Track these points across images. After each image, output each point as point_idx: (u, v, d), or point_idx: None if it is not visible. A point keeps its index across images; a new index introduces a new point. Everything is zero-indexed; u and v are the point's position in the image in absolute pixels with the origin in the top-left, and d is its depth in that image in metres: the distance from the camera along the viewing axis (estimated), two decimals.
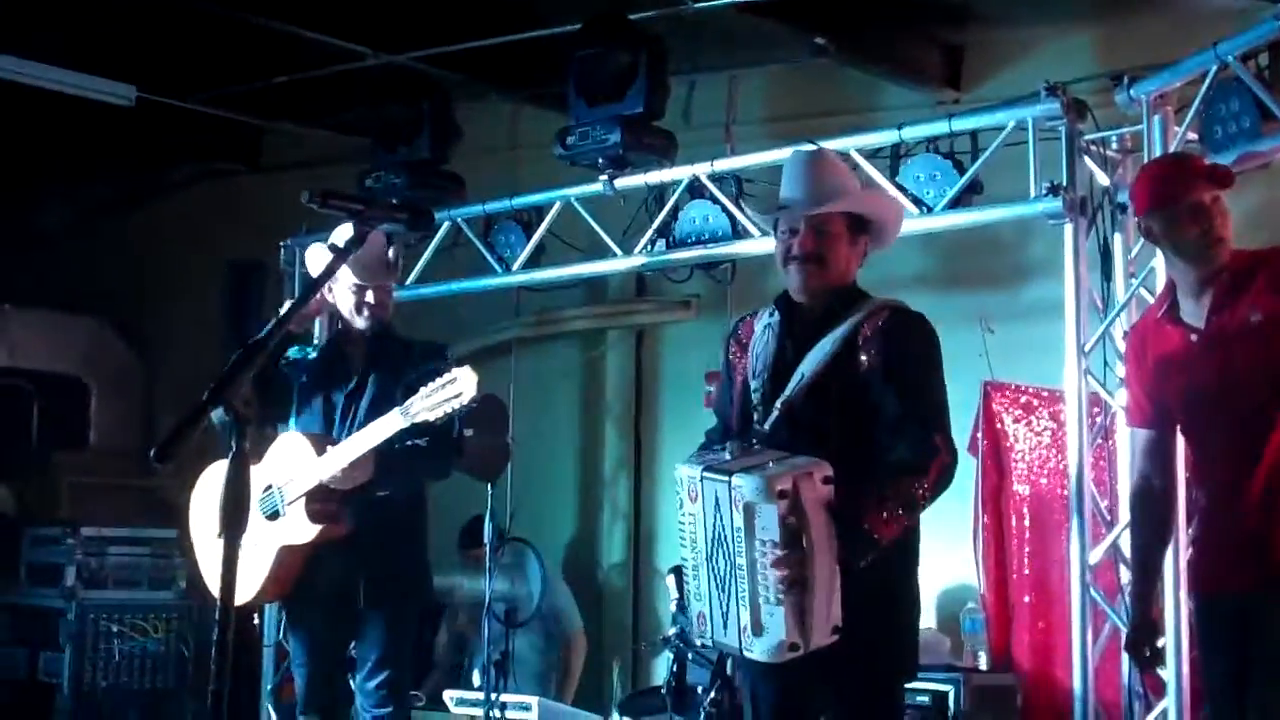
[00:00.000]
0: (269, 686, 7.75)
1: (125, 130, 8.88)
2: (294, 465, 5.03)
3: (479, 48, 7.53)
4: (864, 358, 3.76)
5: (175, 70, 8.24)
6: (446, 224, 7.29)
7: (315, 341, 5.31)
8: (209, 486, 5.30)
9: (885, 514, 3.59)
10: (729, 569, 3.63)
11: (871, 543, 3.57)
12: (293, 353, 5.25)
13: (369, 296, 5.18)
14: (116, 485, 9.79)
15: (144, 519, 8.89)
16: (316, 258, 5.35)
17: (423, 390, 4.74)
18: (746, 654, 3.68)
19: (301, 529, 5.00)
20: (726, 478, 3.60)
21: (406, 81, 7.66)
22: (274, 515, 5.04)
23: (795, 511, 3.50)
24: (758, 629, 3.59)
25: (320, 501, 4.98)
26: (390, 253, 5.30)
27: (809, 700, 3.87)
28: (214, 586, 5.00)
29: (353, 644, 5.26)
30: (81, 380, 10.33)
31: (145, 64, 7.97)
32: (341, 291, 5.19)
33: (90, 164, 10.06)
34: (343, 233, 5.14)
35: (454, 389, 4.70)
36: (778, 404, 3.83)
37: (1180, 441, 4.39)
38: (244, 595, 5.08)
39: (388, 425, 4.76)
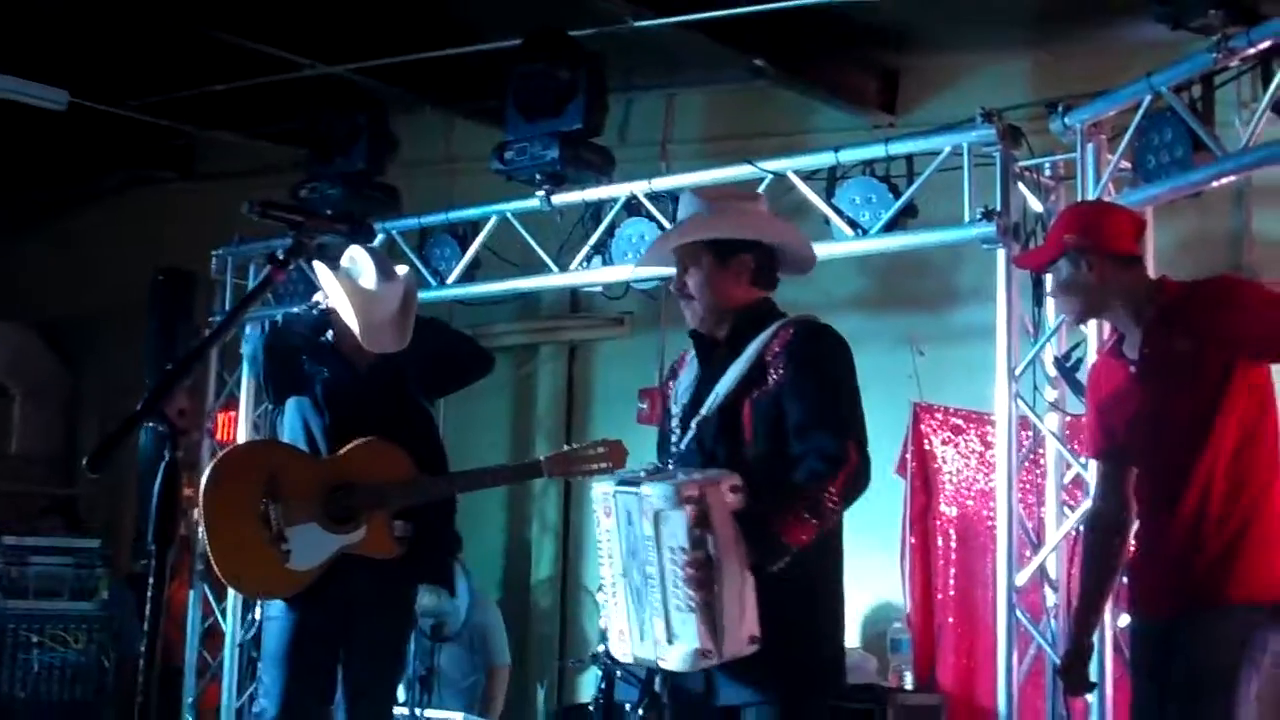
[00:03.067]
0: (190, 700, 7.68)
1: (57, 135, 8.78)
2: (383, 475, 4.98)
3: (417, 61, 7.51)
4: (773, 374, 3.76)
5: (109, 76, 8.16)
6: (381, 236, 7.26)
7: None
8: (230, 474, 5.06)
9: (792, 518, 3.56)
10: (643, 580, 3.65)
11: (781, 547, 3.56)
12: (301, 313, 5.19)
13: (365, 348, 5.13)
14: (38, 493, 9.68)
15: (66, 528, 8.79)
16: (325, 281, 5.15)
17: (574, 450, 4.96)
18: (661, 664, 3.69)
19: (378, 542, 4.95)
20: (636, 489, 3.63)
21: (343, 93, 7.62)
22: (346, 519, 4.96)
23: (702, 518, 3.51)
24: (671, 638, 3.61)
25: (403, 521, 4.96)
26: (402, 314, 5.12)
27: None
28: (230, 579, 4.97)
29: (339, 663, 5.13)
30: (5, 387, 10.21)
31: (79, 69, 7.89)
32: (342, 328, 5.11)
33: (20, 168, 9.94)
34: (361, 263, 5.10)
35: (607, 463, 4.91)
36: (692, 424, 3.86)
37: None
38: (267, 583, 5.01)
39: (509, 475, 4.90)
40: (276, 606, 5.08)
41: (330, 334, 5.16)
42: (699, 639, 3.52)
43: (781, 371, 3.75)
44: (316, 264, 5.17)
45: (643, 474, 3.75)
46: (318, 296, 5.19)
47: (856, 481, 3.65)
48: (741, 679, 3.68)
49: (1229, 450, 3.96)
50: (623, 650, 3.83)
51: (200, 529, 5.02)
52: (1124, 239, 4.22)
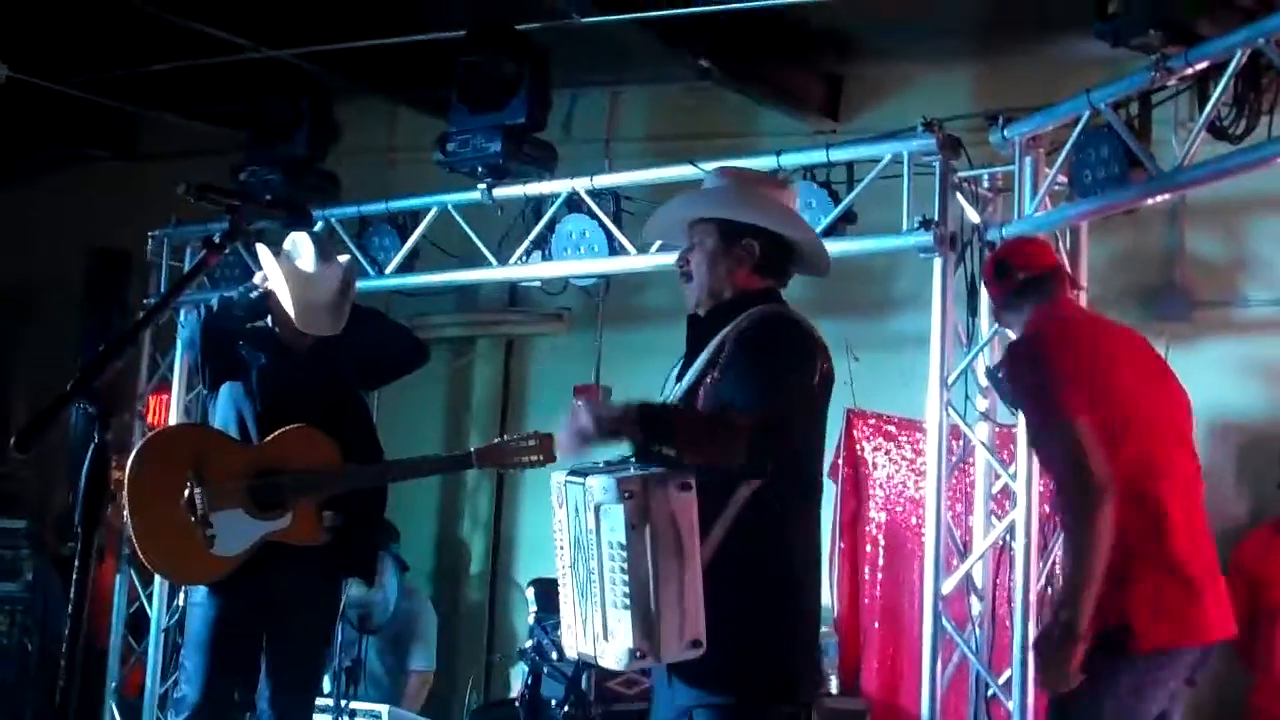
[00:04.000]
0: (113, 684, 7.62)
1: None
2: (312, 462, 4.94)
3: (361, 48, 7.47)
4: (721, 361, 3.69)
5: (50, 51, 8.06)
6: (320, 224, 7.22)
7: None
8: (156, 457, 5.04)
9: (695, 418, 3.58)
10: (586, 574, 3.60)
11: (668, 431, 3.53)
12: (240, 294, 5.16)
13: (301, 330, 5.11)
14: None
15: None
16: (265, 262, 5.18)
17: (505, 441, 4.96)
18: (600, 661, 3.66)
19: (304, 530, 4.93)
20: (583, 480, 3.59)
21: (286, 77, 7.58)
22: (273, 505, 4.93)
23: (641, 514, 3.45)
24: (608, 634, 3.56)
25: (333, 511, 4.93)
26: (339, 298, 5.15)
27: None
28: (153, 562, 4.91)
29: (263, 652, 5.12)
30: None
31: (19, 42, 7.79)
32: (279, 311, 5.11)
33: None
34: (302, 246, 5.09)
35: (538, 456, 4.94)
36: None
37: None
38: (190, 569, 4.99)
39: (440, 465, 4.89)
40: (200, 592, 5.05)
41: (269, 319, 5.14)
42: (632, 638, 3.46)
43: (724, 360, 3.68)
44: (259, 246, 5.16)
45: (601, 465, 3.65)
46: (256, 278, 5.16)
47: (767, 439, 3.50)
48: (694, 680, 3.63)
49: None
50: (569, 643, 3.77)
51: (125, 511, 4.97)
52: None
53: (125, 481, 4.93)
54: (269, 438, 4.98)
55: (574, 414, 3.53)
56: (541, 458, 5.01)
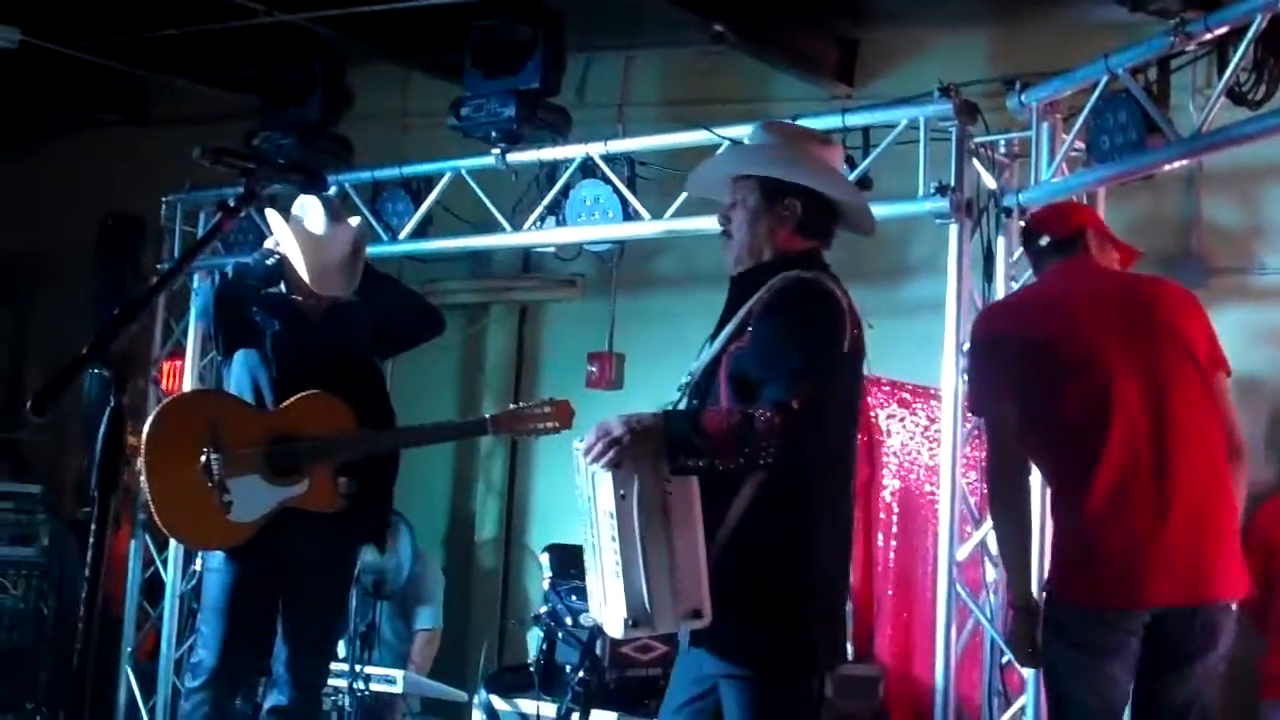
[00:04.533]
0: (128, 649, 7.65)
1: (7, 75, 8.66)
2: (327, 428, 4.95)
3: (374, 12, 7.44)
4: (748, 332, 3.64)
5: (62, 16, 8.04)
6: (334, 189, 7.20)
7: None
8: (173, 422, 5.05)
9: (722, 418, 3.47)
10: (592, 542, 3.62)
11: (699, 443, 3.44)
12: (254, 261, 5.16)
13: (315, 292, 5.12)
14: None
15: (7, 473, 8.71)
16: (275, 226, 5.19)
17: (521, 408, 4.99)
18: (605, 628, 3.66)
19: (320, 496, 4.95)
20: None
21: (299, 42, 7.56)
22: (289, 471, 4.94)
23: (629, 482, 3.45)
24: (604, 602, 3.58)
25: (347, 478, 4.95)
26: (352, 257, 5.17)
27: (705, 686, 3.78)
28: (170, 527, 4.93)
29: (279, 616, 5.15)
30: None
31: (32, 7, 7.77)
32: (293, 274, 5.11)
33: None
34: (311, 209, 5.08)
35: (554, 423, 4.95)
36: (685, 384, 3.78)
37: None
38: (207, 534, 5.00)
39: (454, 431, 4.91)
40: (217, 558, 5.07)
41: (282, 285, 5.13)
42: (625, 607, 3.47)
43: (752, 328, 3.64)
44: (269, 211, 5.15)
45: None
46: (268, 244, 5.16)
47: (794, 433, 3.43)
48: (718, 650, 3.63)
49: None
50: (591, 610, 3.77)
51: (141, 477, 4.98)
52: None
53: (142, 447, 4.94)
54: (285, 404, 4.98)
55: (602, 426, 3.51)
56: (557, 424, 5.01)
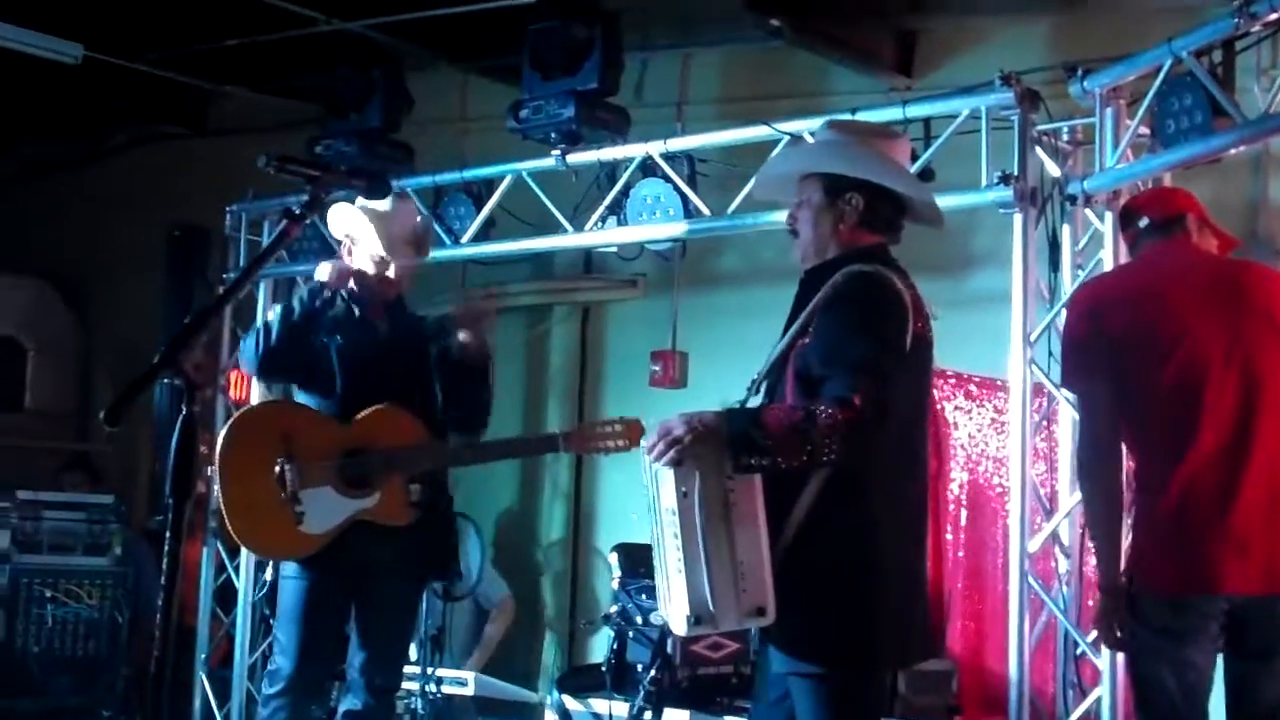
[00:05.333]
0: (203, 655, 7.72)
1: (70, 89, 8.76)
2: (397, 440, 4.98)
3: (432, 17, 7.48)
4: (812, 329, 3.64)
5: (123, 29, 8.13)
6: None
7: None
8: (247, 433, 5.08)
9: (784, 417, 3.45)
10: (657, 540, 3.62)
11: (762, 443, 3.43)
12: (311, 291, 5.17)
13: (390, 271, 5.14)
14: (52, 449, 9.70)
15: (81, 484, 8.80)
16: (340, 217, 5.23)
17: (591, 425, 5.03)
18: (670, 626, 3.67)
19: (392, 508, 4.98)
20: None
21: (358, 49, 7.60)
22: (360, 482, 4.97)
23: (690, 479, 3.47)
24: (669, 600, 3.59)
25: (421, 487, 4.98)
26: (420, 229, 5.30)
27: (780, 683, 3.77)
28: (242, 536, 4.96)
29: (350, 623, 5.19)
30: (18, 342, 10.22)
31: (93, 22, 7.86)
32: (362, 258, 5.14)
33: (34, 122, 9.93)
34: (377, 204, 5.11)
35: (624, 441, 4.96)
36: (754, 381, 3.79)
37: None
38: (278, 544, 5.03)
39: (525, 447, 4.95)
40: (292, 566, 5.10)
41: (343, 290, 5.15)
42: (688, 605, 3.49)
43: (815, 322, 3.64)
44: (337, 205, 5.18)
45: None
46: (320, 274, 5.14)
47: (858, 429, 3.41)
48: (786, 648, 3.63)
49: None
50: (660, 608, 3.78)
51: (215, 487, 5.03)
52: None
53: (216, 457, 4.98)
54: (358, 416, 5.01)
55: (664, 425, 3.51)
56: (627, 442, 5.01)
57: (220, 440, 4.99)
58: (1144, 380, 4.15)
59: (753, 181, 4.20)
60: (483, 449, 5.30)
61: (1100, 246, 5.51)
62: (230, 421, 5.22)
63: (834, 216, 3.79)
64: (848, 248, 3.78)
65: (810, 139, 4.22)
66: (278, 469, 4.89)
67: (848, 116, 5.83)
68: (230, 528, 4.99)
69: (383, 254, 5.08)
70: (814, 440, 3.41)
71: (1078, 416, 4.27)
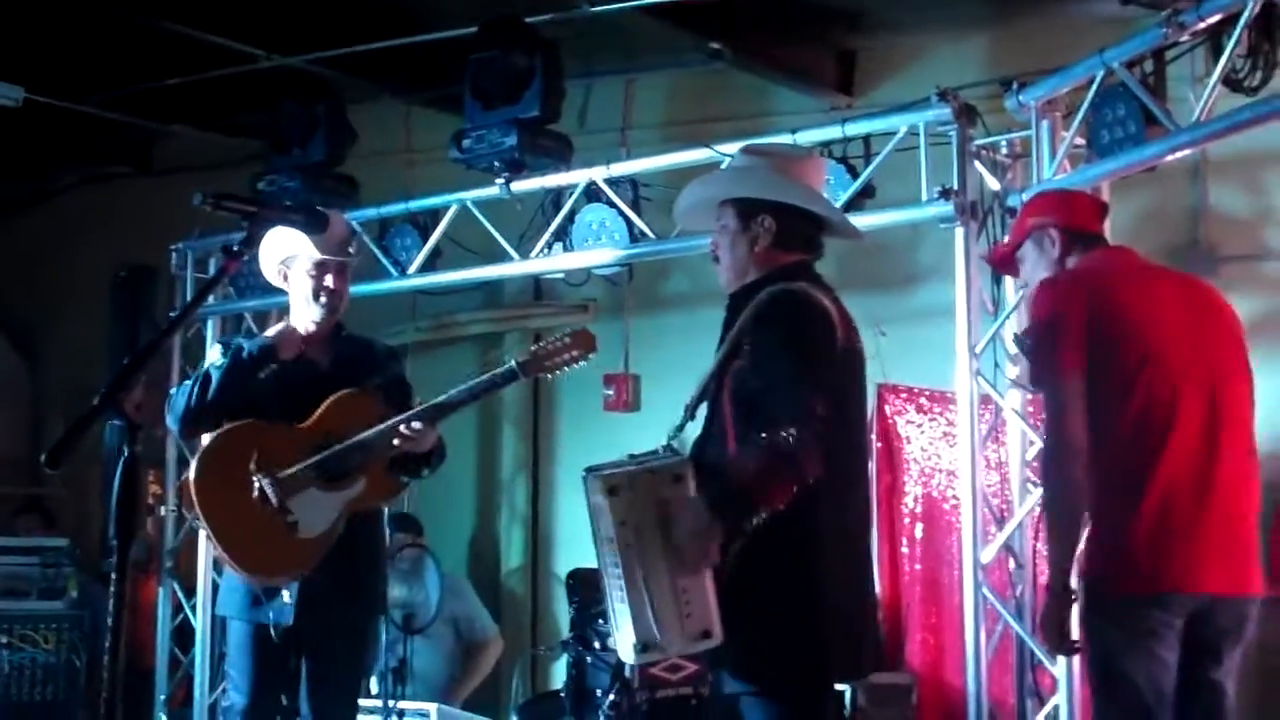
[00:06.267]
0: (162, 697, 7.67)
1: (12, 132, 8.72)
2: (363, 423, 4.88)
3: (373, 50, 7.49)
4: (745, 347, 3.69)
5: (64, 71, 8.11)
6: None
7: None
8: (216, 462, 4.94)
9: (753, 468, 3.48)
10: (602, 569, 3.65)
11: (749, 503, 3.48)
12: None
13: (328, 280, 5.04)
14: (3, 493, 9.63)
15: (36, 528, 8.74)
16: (272, 240, 5.05)
17: (542, 346, 4.85)
18: (619, 654, 3.69)
19: (381, 489, 4.95)
20: (587, 476, 3.62)
21: (300, 84, 7.60)
22: (341, 474, 4.91)
23: (628, 509, 3.49)
24: (617, 629, 3.61)
25: (403, 456, 4.93)
26: (349, 232, 5.23)
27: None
28: (248, 568, 4.87)
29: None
30: None
31: (33, 64, 7.84)
32: (298, 278, 5.05)
33: None
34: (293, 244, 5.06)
35: (577, 351, 4.81)
36: (688, 406, 3.82)
37: None
38: (286, 561, 4.88)
39: (487, 386, 4.84)
40: (233, 605, 5.06)
41: (279, 326, 5.14)
42: (634, 633, 3.51)
43: (746, 346, 3.68)
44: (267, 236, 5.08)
45: (626, 458, 3.69)
46: (277, 342, 5.09)
47: (797, 473, 3.48)
48: (735, 669, 3.65)
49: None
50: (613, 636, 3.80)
51: (202, 528, 4.98)
52: (1084, 216, 4.35)
53: (193, 494, 4.92)
54: (318, 411, 4.96)
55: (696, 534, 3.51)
56: (581, 351, 4.92)
57: (192, 478, 4.92)
58: (1118, 382, 4.14)
59: (675, 216, 4.24)
60: (447, 405, 5.18)
61: None
62: (196, 459, 5.14)
63: (749, 239, 3.85)
64: (768, 268, 3.83)
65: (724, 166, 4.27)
66: (256, 486, 4.85)
67: (784, 138, 5.89)
68: (236, 564, 4.90)
69: (318, 256, 5.03)
70: (795, 465, 3.47)
71: (1046, 414, 4.23)
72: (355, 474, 4.91)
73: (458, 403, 5.01)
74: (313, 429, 4.93)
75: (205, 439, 5.06)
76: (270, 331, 5.13)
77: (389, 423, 4.86)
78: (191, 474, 4.93)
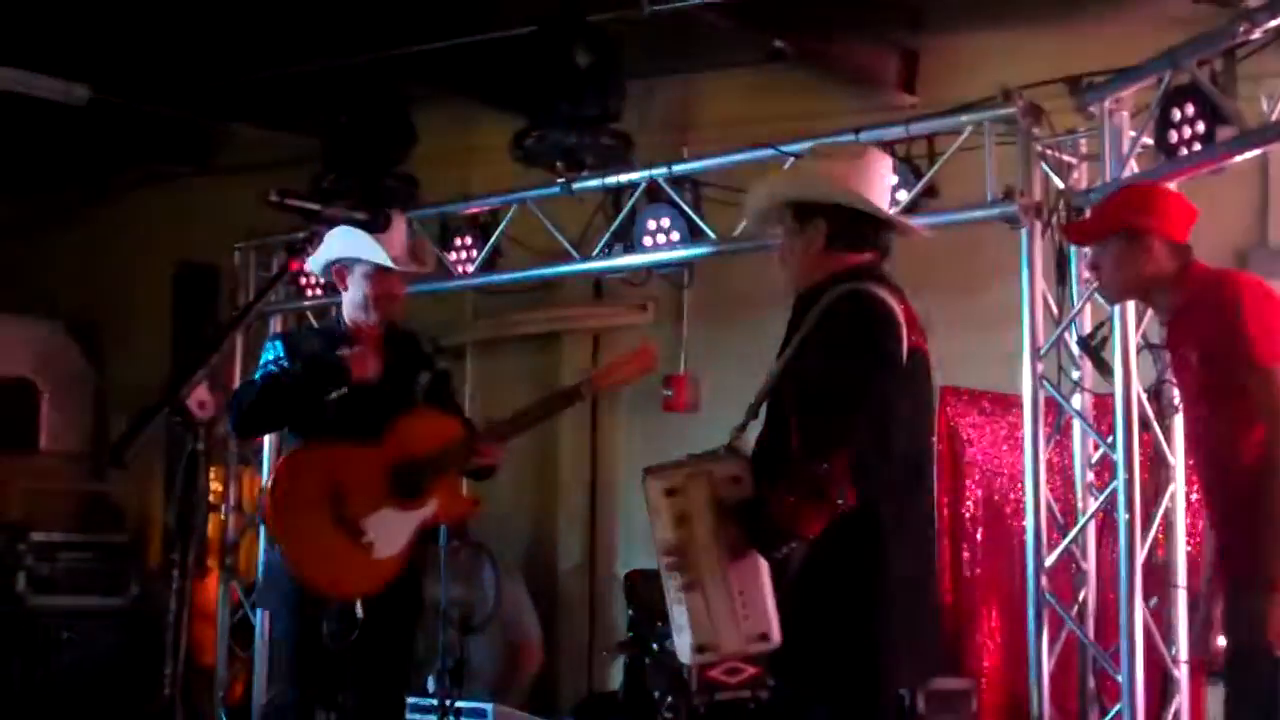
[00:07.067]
0: (220, 693, 7.70)
1: (78, 131, 8.79)
2: (438, 441, 4.93)
3: (435, 50, 7.50)
4: (808, 349, 3.67)
5: (128, 70, 8.16)
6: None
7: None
8: (292, 486, 4.98)
9: (790, 501, 3.43)
10: (662, 571, 3.64)
11: (779, 533, 3.45)
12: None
13: (389, 287, 5.06)
14: (67, 489, 9.71)
15: (99, 525, 8.81)
16: (329, 241, 5.04)
17: (604, 367, 5.01)
18: (678, 654, 3.67)
19: (454, 507, 5.04)
20: (646, 477, 3.61)
21: (361, 83, 7.62)
22: (415, 493, 4.92)
23: (684, 510, 3.49)
24: (677, 630, 3.60)
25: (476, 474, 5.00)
26: (413, 239, 5.30)
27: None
28: (323, 587, 4.87)
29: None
30: (32, 383, 10.23)
31: (99, 63, 7.89)
32: (357, 282, 5.09)
33: (42, 165, 9.96)
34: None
35: (635, 364, 4.92)
36: (751, 406, 3.79)
37: None
38: (361, 580, 4.91)
39: (558, 401, 4.88)
40: (279, 596, 5.08)
41: (340, 321, 5.14)
42: (690, 633, 3.52)
43: (811, 346, 3.66)
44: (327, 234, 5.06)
45: (685, 457, 3.68)
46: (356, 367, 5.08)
47: (830, 502, 3.44)
48: (796, 674, 3.67)
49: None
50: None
51: (276, 545, 5.01)
52: (1181, 227, 4.28)
53: (270, 521, 4.97)
54: (392, 430, 4.96)
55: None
56: (642, 365, 4.95)
57: (268, 504, 4.97)
58: None
59: (745, 222, 4.23)
60: (513, 424, 5.18)
61: None
62: (271, 481, 5.15)
63: (805, 241, 3.84)
64: (835, 269, 3.79)
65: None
66: (332, 508, 4.86)
67: (847, 138, 5.85)
68: (317, 582, 4.91)
69: (382, 264, 5.02)
70: (825, 495, 3.42)
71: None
72: (429, 493, 4.92)
73: (523, 427, 5.05)
74: (388, 447, 4.94)
75: (271, 446, 5.09)
76: (344, 351, 5.05)
77: (463, 443, 4.89)
78: (265, 494, 4.97)
